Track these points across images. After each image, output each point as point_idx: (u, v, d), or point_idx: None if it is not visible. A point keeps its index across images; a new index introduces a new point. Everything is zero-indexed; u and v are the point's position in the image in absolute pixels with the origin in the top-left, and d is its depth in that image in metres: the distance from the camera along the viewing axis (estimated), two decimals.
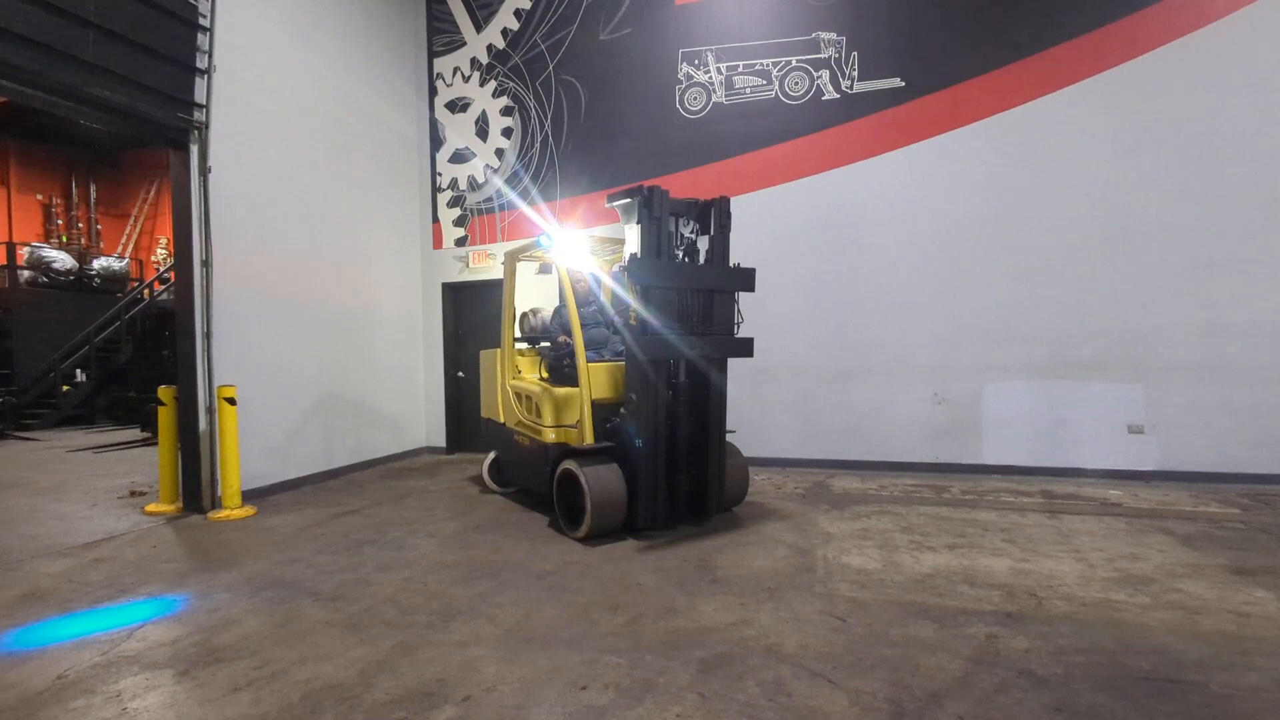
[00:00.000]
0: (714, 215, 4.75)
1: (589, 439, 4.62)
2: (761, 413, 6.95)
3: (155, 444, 6.50)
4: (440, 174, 8.47)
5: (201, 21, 5.47)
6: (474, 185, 8.30)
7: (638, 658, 2.74)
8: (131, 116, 5.02)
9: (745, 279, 4.78)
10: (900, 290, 6.56)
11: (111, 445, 9.84)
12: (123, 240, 18.90)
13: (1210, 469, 5.69)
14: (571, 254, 5.39)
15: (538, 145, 7.97)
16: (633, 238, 4.47)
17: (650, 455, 4.38)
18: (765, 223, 6.83)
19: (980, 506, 5.12)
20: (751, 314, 6.86)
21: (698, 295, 4.65)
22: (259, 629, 3.11)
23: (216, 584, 3.74)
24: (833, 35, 6.76)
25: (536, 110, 7.96)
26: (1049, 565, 3.73)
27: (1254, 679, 2.45)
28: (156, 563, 4.16)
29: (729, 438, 4.92)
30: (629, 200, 4.46)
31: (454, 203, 8.41)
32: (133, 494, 6.18)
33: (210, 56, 5.51)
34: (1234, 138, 5.64)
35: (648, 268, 4.37)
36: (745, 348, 4.81)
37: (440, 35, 8.40)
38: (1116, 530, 4.38)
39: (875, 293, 6.64)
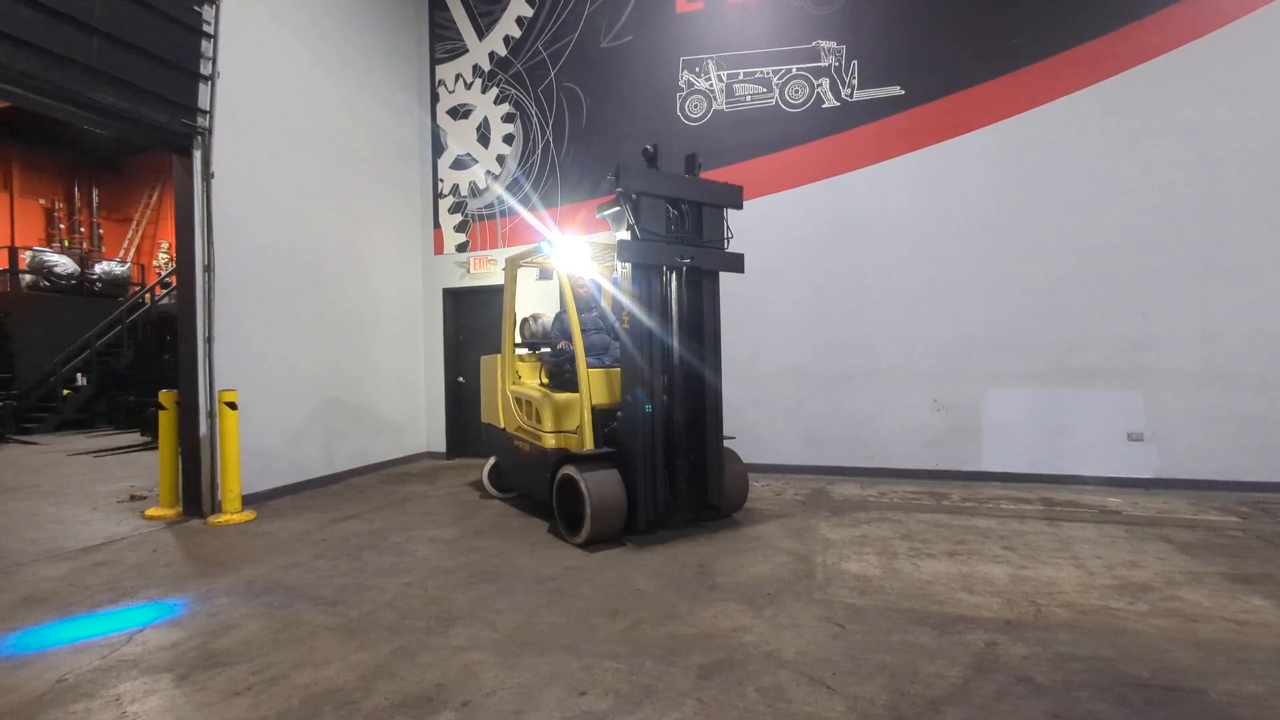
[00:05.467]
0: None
1: (589, 444, 4.63)
2: (761, 419, 6.95)
3: (155, 448, 6.51)
4: (441, 180, 8.50)
5: (205, 28, 5.51)
6: (475, 191, 8.33)
7: (637, 663, 2.74)
8: (135, 122, 5.05)
9: (732, 195, 4.86)
10: (900, 296, 6.58)
11: (112, 449, 9.84)
12: (124, 245, 18.95)
13: (1210, 476, 5.69)
14: (572, 260, 5.42)
15: (539, 152, 8.01)
16: None
17: (648, 459, 4.38)
18: (766, 229, 6.85)
19: (980, 514, 5.12)
20: (752, 319, 6.93)
21: (687, 209, 4.72)
22: (258, 633, 3.11)
23: (216, 588, 3.74)
24: (833, 44, 6.80)
25: (538, 117, 8.00)
26: (1048, 572, 3.73)
27: (1253, 687, 2.45)
28: (156, 567, 4.16)
29: (728, 444, 4.93)
30: (617, 209, 4.52)
31: (455, 208, 8.44)
32: (133, 498, 6.18)
33: (214, 63, 5.55)
34: (1234, 145, 5.67)
35: (638, 176, 4.45)
36: (736, 262, 4.84)
37: (442, 42, 8.45)
38: (1116, 538, 4.38)
39: (875, 299, 6.66)
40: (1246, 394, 5.62)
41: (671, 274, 4.65)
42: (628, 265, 4.49)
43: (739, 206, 4.87)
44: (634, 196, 4.44)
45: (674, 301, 4.64)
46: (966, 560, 3.98)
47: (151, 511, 5.50)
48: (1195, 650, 2.75)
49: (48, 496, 6.43)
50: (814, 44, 6.87)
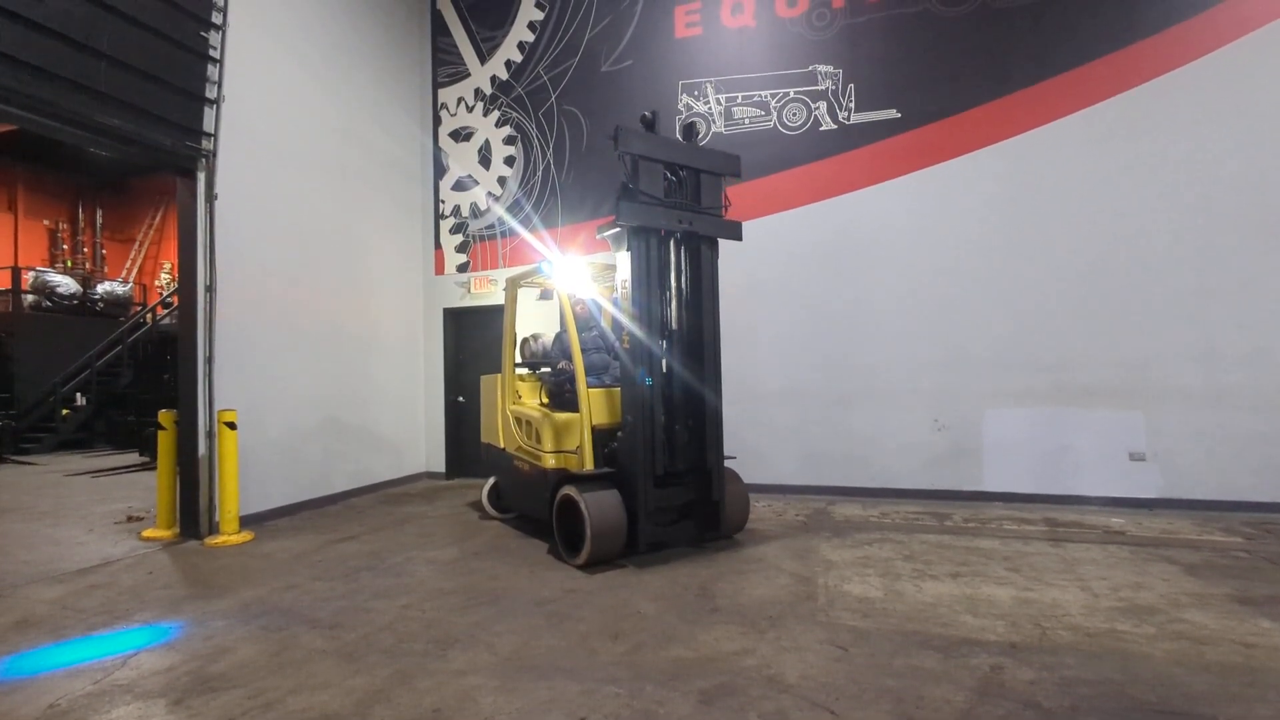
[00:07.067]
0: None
1: (589, 464, 4.61)
2: (761, 439, 6.93)
3: (154, 469, 6.47)
4: (443, 201, 8.57)
5: (212, 53, 5.59)
6: (476, 212, 8.39)
7: (638, 688, 2.70)
8: (141, 145, 5.11)
9: (731, 163, 4.90)
10: (900, 316, 6.60)
11: (110, 470, 9.80)
12: (127, 265, 19.05)
13: (1213, 497, 5.66)
14: (572, 280, 5.45)
15: (540, 173, 8.09)
16: (624, 265, 4.54)
17: (647, 478, 4.36)
18: (765, 250, 6.90)
19: (983, 534, 5.08)
20: (752, 339, 6.94)
21: (686, 176, 4.74)
22: (254, 657, 3.08)
23: (212, 611, 3.71)
24: (829, 68, 6.90)
25: (539, 139, 8.09)
26: (1053, 594, 3.70)
27: (1262, 711, 2.42)
28: (152, 589, 4.12)
29: (729, 464, 4.91)
30: (617, 230, 4.55)
31: (456, 229, 8.50)
32: (130, 519, 6.13)
33: (219, 87, 5.63)
34: (1230, 166, 5.72)
35: (636, 139, 4.48)
36: (734, 230, 4.84)
37: (445, 67, 8.58)
38: (1120, 559, 4.35)
39: (875, 319, 6.68)
40: (1247, 413, 5.61)
41: (670, 240, 4.67)
42: (628, 285, 4.51)
43: (737, 175, 4.92)
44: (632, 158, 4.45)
45: (672, 275, 4.67)
46: (970, 582, 3.94)
47: (148, 533, 5.46)
48: (1204, 674, 2.71)
49: (44, 517, 6.39)
50: (811, 68, 6.97)
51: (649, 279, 4.50)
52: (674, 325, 4.66)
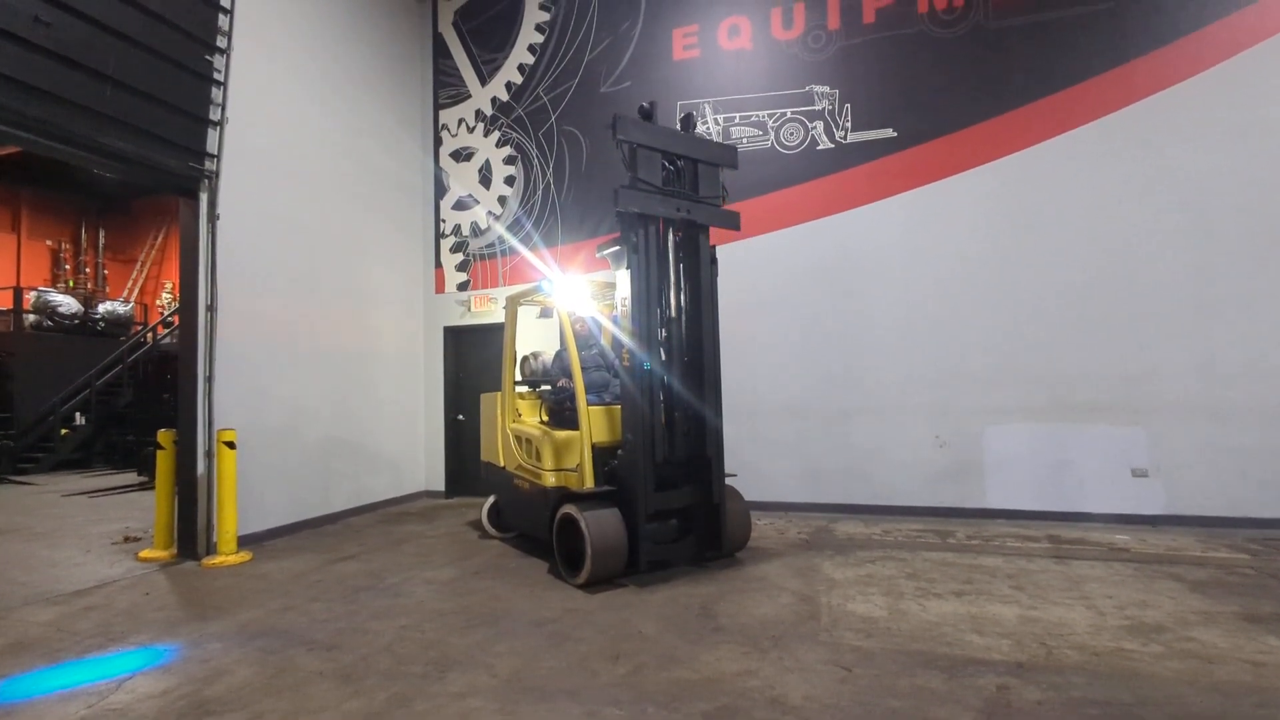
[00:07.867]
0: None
1: (589, 483, 4.59)
2: (762, 456, 6.90)
3: (152, 488, 6.44)
4: (444, 220, 8.63)
5: (216, 76, 5.66)
6: (476, 231, 8.45)
7: (639, 709, 2.66)
8: (145, 166, 5.15)
9: (728, 154, 4.93)
10: (899, 333, 6.61)
11: (108, 490, 9.74)
12: (129, 285, 19.12)
13: (1217, 513, 5.62)
14: (572, 298, 5.47)
15: (540, 192, 8.15)
16: (624, 283, 4.56)
17: (648, 495, 4.34)
18: (764, 267, 6.94)
19: (986, 552, 5.05)
20: (751, 356, 6.95)
21: (684, 166, 4.76)
22: (251, 680, 3.04)
23: (208, 633, 3.67)
24: (826, 88, 6.99)
25: (539, 159, 8.16)
26: (1058, 613, 3.66)
27: None
28: (148, 611, 4.08)
29: (730, 482, 4.89)
30: (617, 248, 4.58)
31: (456, 248, 8.54)
32: (127, 540, 6.09)
33: (223, 109, 5.69)
34: (1226, 180, 5.77)
35: (635, 128, 4.50)
36: (732, 219, 4.85)
37: (446, 88, 8.68)
38: (1125, 576, 4.31)
39: (874, 335, 6.69)
40: (1248, 428, 5.59)
41: (669, 242, 4.70)
42: (628, 302, 4.52)
43: (734, 166, 4.96)
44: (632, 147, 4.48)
45: (671, 287, 4.69)
46: (974, 600, 3.91)
47: (145, 553, 5.42)
48: (1213, 694, 2.68)
49: (40, 538, 6.34)
50: (807, 88, 7.06)
51: (648, 283, 4.50)
52: (673, 315, 4.68)
